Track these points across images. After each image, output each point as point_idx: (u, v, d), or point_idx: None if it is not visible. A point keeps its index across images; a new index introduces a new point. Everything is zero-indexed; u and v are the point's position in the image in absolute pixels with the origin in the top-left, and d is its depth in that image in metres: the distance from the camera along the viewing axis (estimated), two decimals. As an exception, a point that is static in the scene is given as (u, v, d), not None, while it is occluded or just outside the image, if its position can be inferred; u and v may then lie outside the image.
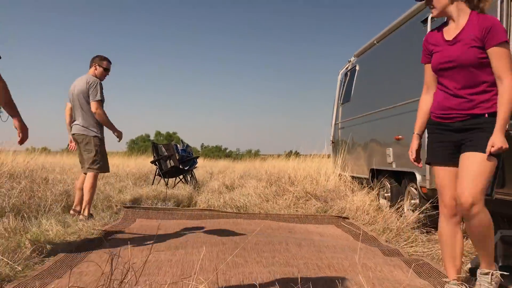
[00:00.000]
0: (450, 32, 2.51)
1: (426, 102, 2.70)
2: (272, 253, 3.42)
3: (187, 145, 10.62)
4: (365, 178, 6.61)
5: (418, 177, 4.65)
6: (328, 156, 9.26)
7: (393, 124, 5.42)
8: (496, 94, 2.38)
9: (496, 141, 2.29)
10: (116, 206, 5.81)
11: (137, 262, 2.98)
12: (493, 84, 2.39)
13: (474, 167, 2.35)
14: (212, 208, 5.82)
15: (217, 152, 52.48)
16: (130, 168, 12.16)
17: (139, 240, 3.88)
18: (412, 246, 3.87)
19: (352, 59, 7.89)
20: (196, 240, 3.79)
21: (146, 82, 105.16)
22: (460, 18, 2.47)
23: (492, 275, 2.49)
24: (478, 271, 2.56)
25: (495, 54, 2.33)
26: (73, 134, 5.07)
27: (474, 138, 2.39)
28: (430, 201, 4.41)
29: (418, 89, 4.59)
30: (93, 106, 4.91)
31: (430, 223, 4.51)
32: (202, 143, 58.87)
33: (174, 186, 8.72)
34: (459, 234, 2.55)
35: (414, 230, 4.37)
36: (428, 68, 2.68)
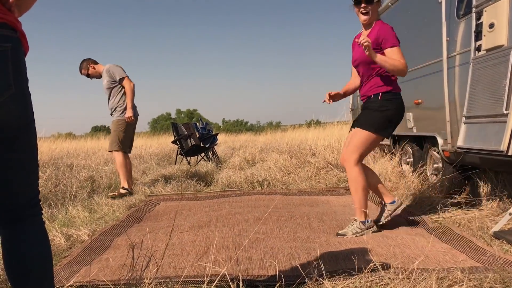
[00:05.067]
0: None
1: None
2: (293, 228, 3.44)
3: (207, 123, 10.66)
4: (386, 145, 6.53)
5: (440, 141, 4.57)
6: (349, 123, 9.17)
7: (412, 88, 5.30)
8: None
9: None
10: (141, 189, 5.90)
11: (162, 245, 3.04)
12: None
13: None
14: (233, 189, 5.86)
15: (238, 126, 52.55)
16: (153, 149, 12.31)
17: (164, 223, 3.94)
18: (435, 212, 3.83)
19: (367, 23, 7.68)
20: (219, 219, 3.83)
21: (163, 61, 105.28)
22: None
23: (356, 220, 3.26)
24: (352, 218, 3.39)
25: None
26: None
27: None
28: (453, 165, 4.34)
29: (435, 51, 4.48)
30: None
31: (453, 187, 4.45)
32: (223, 118, 59.05)
33: (196, 164, 8.80)
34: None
35: (437, 194, 4.32)
36: None
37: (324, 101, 3.41)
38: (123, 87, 5.44)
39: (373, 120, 3.20)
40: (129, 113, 5.39)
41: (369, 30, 3.29)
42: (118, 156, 5.44)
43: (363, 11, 3.23)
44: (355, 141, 3.23)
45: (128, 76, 5.46)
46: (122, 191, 5.37)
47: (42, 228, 1.51)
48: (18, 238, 1.45)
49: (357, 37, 3.42)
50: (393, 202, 3.39)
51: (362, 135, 3.21)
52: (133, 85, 5.45)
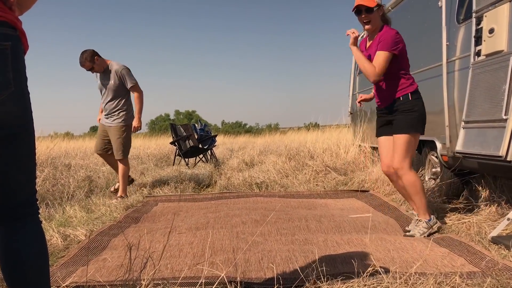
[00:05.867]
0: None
1: None
2: (291, 230, 3.43)
3: (205, 124, 10.65)
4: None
5: (438, 145, 4.57)
6: (348, 126, 9.19)
7: (411, 93, 5.30)
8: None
9: None
10: (138, 190, 5.89)
11: (159, 246, 3.03)
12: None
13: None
14: (231, 190, 5.85)
15: (237, 128, 52.56)
16: (151, 150, 12.29)
17: (161, 224, 3.93)
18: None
19: (367, 27, 7.69)
20: (216, 221, 3.83)
21: (163, 62, 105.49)
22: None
23: (420, 221, 3.32)
24: (415, 218, 3.41)
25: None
26: None
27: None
28: (451, 170, 4.34)
29: (435, 56, 4.49)
30: None
31: (451, 192, 4.45)
32: (223, 120, 59.11)
33: (195, 165, 8.79)
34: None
35: (435, 199, 4.31)
36: None
37: (358, 102, 3.72)
38: (129, 92, 5.25)
39: (412, 121, 3.28)
40: (138, 122, 5.24)
41: (375, 36, 3.37)
42: (125, 164, 5.27)
43: (364, 21, 3.33)
44: (401, 147, 3.29)
45: (137, 82, 5.23)
46: (120, 199, 5.10)
47: (39, 228, 1.51)
48: (15, 236, 1.44)
49: (362, 43, 3.56)
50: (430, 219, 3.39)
51: (405, 139, 3.27)
52: (142, 93, 5.28)
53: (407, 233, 3.31)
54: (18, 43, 1.39)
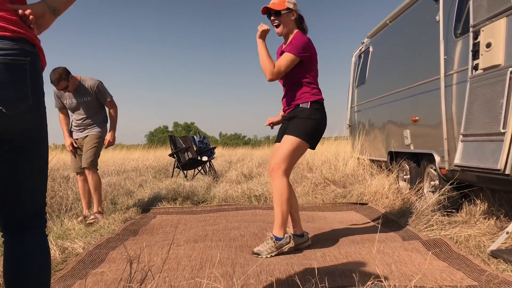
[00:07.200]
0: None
1: None
2: (290, 243, 3.42)
3: (204, 136, 10.66)
4: (383, 161, 6.54)
5: (437, 158, 4.58)
6: (347, 139, 9.21)
7: (409, 106, 5.34)
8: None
9: None
10: (137, 202, 5.87)
11: (157, 259, 3.02)
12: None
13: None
14: (230, 203, 5.84)
15: (235, 140, 52.57)
16: (150, 162, 12.28)
17: (159, 236, 3.92)
18: (432, 229, 3.82)
19: (366, 40, 7.76)
20: (215, 234, 3.81)
21: (162, 74, 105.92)
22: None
23: (271, 238, 3.14)
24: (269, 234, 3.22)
25: None
26: None
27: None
28: (450, 182, 4.34)
29: (433, 69, 4.52)
30: None
31: (450, 205, 4.45)
32: (220, 132, 59.16)
33: (193, 177, 8.78)
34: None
35: (434, 212, 4.31)
36: None
37: (267, 125, 3.56)
38: (103, 106, 4.91)
39: (305, 128, 3.17)
40: (112, 137, 4.89)
41: (288, 40, 3.33)
42: (96, 175, 4.77)
43: (274, 24, 3.30)
44: (286, 148, 3.16)
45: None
46: (99, 216, 4.69)
47: (45, 241, 1.53)
48: (21, 248, 1.47)
49: (279, 48, 3.53)
50: (302, 235, 3.34)
51: (293, 142, 3.15)
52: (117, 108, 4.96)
53: (254, 250, 3.13)
54: (37, 59, 1.46)
